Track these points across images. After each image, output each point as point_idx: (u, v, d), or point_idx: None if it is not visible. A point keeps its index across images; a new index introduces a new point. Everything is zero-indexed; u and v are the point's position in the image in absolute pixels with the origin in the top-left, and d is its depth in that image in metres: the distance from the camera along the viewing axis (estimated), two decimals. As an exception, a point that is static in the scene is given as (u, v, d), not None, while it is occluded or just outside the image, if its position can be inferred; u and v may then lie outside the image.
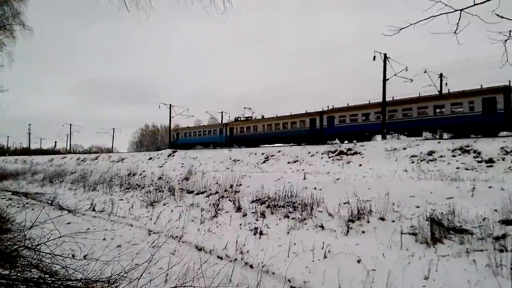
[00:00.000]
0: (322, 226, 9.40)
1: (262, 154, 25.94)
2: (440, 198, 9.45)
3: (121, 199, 17.39)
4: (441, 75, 30.18)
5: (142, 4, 5.63)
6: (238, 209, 12.17)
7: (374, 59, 25.57)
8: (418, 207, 9.23)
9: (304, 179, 13.99)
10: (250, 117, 42.36)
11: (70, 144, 78.10)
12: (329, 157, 21.22)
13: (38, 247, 4.59)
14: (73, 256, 5.57)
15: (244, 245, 8.89)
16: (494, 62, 4.98)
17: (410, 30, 4.54)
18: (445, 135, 24.65)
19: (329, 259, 7.49)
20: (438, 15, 4.28)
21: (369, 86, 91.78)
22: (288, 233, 9.48)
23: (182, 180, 18.29)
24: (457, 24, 4.24)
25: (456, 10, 4.18)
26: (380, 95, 26.28)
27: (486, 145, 16.21)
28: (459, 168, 14.92)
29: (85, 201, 17.49)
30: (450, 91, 26.28)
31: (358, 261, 7.15)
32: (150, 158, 36.65)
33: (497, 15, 3.86)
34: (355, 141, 25.82)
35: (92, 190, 21.30)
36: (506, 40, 4.25)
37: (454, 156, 16.39)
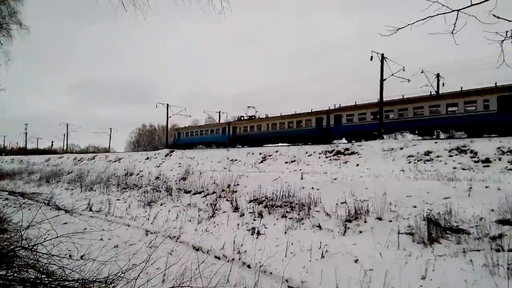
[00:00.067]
0: (319, 226, 9.42)
1: (260, 154, 25.92)
2: (437, 198, 9.49)
3: (118, 199, 17.34)
4: (438, 75, 30.32)
5: (139, 3, 5.61)
6: (236, 209, 12.16)
7: (371, 59, 25.58)
8: (415, 207, 9.27)
9: (302, 179, 14.01)
10: (253, 116, 40.53)
11: (67, 144, 77.66)
12: (327, 157, 21.24)
13: (35, 247, 4.57)
14: (70, 256, 5.53)
15: (241, 245, 8.90)
16: (490, 63, 5.01)
17: (407, 30, 4.56)
18: (442, 135, 24.61)
19: (326, 259, 7.52)
20: (435, 16, 4.31)
21: (369, 86, 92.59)
22: (285, 233, 9.49)
23: (179, 180, 18.28)
24: (454, 24, 4.27)
25: (453, 11, 4.20)
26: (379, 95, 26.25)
27: (483, 145, 16.28)
28: (456, 168, 14.98)
29: (82, 201, 17.44)
30: (462, 89, 25.72)
31: (356, 261, 7.18)
32: (148, 158, 36.55)
33: (494, 15, 3.89)
34: (363, 140, 25.19)
35: (89, 190, 21.24)
36: (502, 41, 4.28)
37: (451, 156, 16.45)
